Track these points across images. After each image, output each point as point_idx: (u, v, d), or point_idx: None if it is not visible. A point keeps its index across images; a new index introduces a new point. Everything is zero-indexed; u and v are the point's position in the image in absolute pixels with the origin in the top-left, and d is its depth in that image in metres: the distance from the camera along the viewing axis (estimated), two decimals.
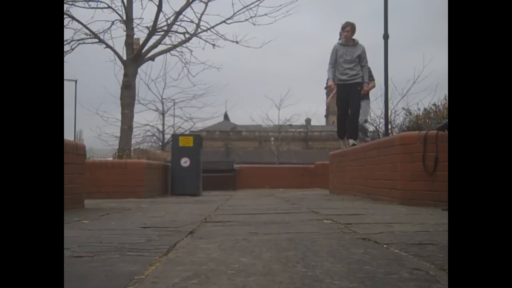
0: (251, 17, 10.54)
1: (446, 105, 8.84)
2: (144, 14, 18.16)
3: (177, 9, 10.52)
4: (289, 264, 1.50)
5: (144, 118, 23.57)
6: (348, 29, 6.40)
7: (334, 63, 6.52)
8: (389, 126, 8.35)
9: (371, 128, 13.38)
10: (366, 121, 7.43)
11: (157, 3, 10.06)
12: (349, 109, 6.59)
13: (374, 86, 7.26)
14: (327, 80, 6.69)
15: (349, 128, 6.66)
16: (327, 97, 8.00)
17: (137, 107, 12.15)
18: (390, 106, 9.57)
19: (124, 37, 10.07)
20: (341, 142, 7.25)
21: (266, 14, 10.63)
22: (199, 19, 10.58)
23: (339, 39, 6.57)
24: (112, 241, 2.05)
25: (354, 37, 6.51)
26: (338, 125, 6.98)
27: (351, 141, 6.59)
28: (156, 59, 10.86)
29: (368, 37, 6.60)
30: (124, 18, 10.06)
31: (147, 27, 10.21)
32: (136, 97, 11.49)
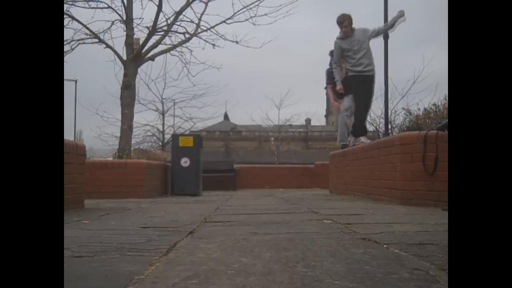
0: (251, 17, 10.54)
1: (446, 105, 8.85)
2: (144, 14, 18.23)
3: (177, 9, 10.53)
4: (289, 264, 1.50)
5: (144, 118, 23.59)
6: (346, 23, 6.11)
7: (339, 61, 6.23)
8: (389, 126, 8.34)
9: (371, 128, 13.36)
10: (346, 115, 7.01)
11: (157, 3, 10.06)
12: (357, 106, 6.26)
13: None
14: (336, 81, 6.31)
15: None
16: (328, 97, 7.60)
17: (137, 107, 12.17)
18: (390, 106, 9.55)
19: (124, 37, 10.06)
20: (353, 139, 6.70)
21: (266, 14, 10.62)
22: (199, 19, 10.58)
23: (339, 34, 6.22)
24: (112, 241, 2.05)
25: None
26: (359, 121, 6.35)
27: (356, 139, 6.33)
28: (156, 59, 10.87)
29: None
30: (124, 18, 10.06)
31: (147, 27, 10.22)
32: (136, 97, 11.50)
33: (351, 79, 6.21)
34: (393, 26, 6.43)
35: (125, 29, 10.06)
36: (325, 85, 7.18)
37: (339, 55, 6.20)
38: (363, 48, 6.11)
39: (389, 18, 6.71)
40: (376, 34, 6.25)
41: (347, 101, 6.65)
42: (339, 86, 6.27)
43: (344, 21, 6.10)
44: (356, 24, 6.29)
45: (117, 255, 1.70)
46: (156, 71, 49.67)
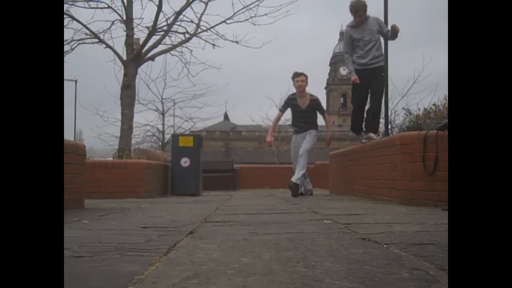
0: (251, 17, 10.53)
1: (446, 105, 8.84)
2: (144, 14, 18.24)
3: (177, 9, 10.52)
4: (289, 264, 1.50)
5: (144, 118, 23.63)
6: (361, 13, 5.50)
7: (350, 50, 5.65)
8: (389, 126, 8.32)
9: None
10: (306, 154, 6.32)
11: (157, 3, 10.05)
12: (372, 98, 5.66)
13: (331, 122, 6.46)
14: (349, 73, 5.72)
15: (371, 120, 5.71)
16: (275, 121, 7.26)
17: (137, 107, 12.16)
18: (390, 106, 9.55)
19: (124, 37, 10.06)
20: (360, 136, 6.09)
21: (266, 14, 10.61)
22: (199, 19, 10.58)
23: (351, 22, 5.64)
24: (112, 241, 2.05)
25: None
26: (355, 118, 5.89)
27: (372, 135, 5.66)
28: (156, 59, 10.86)
29: None
30: (124, 18, 10.05)
31: (147, 27, 10.21)
32: (136, 97, 11.50)
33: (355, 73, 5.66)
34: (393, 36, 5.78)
35: (125, 29, 10.06)
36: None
37: (350, 44, 5.62)
38: (374, 39, 5.54)
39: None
40: (385, 33, 5.69)
41: (311, 141, 6.38)
42: (354, 77, 5.60)
43: (359, 10, 5.49)
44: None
45: (117, 255, 1.70)
46: (156, 71, 49.81)
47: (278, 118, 6.88)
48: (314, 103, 6.50)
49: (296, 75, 6.45)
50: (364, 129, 5.92)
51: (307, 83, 6.45)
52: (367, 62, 5.55)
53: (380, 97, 5.77)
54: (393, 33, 5.66)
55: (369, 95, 5.75)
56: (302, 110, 6.50)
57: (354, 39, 5.60)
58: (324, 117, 6.78)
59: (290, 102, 6.55)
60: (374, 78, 5.57)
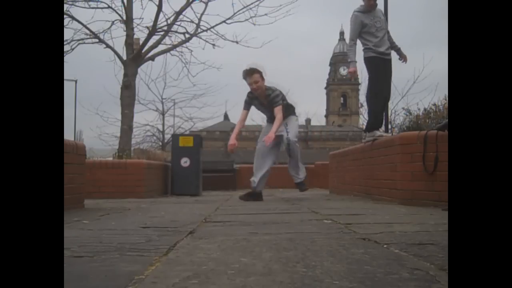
0: (251, 17, 10.58)
1: (446, 105, 8.85)
2: (144, 14, 18.30)
3: (177, 9, 10.55)
4: (289, 264, 1.50)
5: (144, 118, 23.67)
6: None
7: (356, 38, 5.12)
8: (389, 126, 8.32)
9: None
10: (296, 142, 5.52)
11: (157, 3, 10.08)
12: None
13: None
14: (349, 62, 5.24)
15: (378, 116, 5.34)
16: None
17: (137, 107, 12.19)
18: (390, 106, 9.56)
19: (124, 37, 10.08)
20: (368, 133, 5.44)
21: (266, 14, 10.67)
22: (199, 19, 10.60)
23: (360, 6, 5.13)
24: (112, 241, 2.05)
25: None
26: (376, 110, 5.26)
27: (368, 135, 5.35)
28: (156, 59, 10.89)
29: None
30: (124, 18, 10.07)
31: (147, 27, 10.23)
32: (136, 97, 11.52)
33: (371, 61, 5.11)
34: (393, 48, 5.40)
35: (125, 29, 10.08)
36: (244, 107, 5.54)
37: (359, 30, 5.06)
38: (385, 27, 5.16)
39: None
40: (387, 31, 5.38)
41: (294, 126, 5.52)
42: (353, 69, 5.20)
43: None
44: None
45: (117, 255, 1.70)
46: (156, 71, 49.87)
47: (244, 119, 5.59)
48: (269, 98, 5.40)
49: (247, 74, 5.35)
50: (365, 128, 5.64)
51: (263, 78, 5.38)
52: (384, 51, 5.09)
53: (389, 94, 5.46)
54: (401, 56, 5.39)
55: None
56: (266, 106, 5.55)
57: (365, 25, 5.05)
58: (275, 111, 5.33)
59: (252, 102, 5.56)
60: (386, 71, 5.20)
